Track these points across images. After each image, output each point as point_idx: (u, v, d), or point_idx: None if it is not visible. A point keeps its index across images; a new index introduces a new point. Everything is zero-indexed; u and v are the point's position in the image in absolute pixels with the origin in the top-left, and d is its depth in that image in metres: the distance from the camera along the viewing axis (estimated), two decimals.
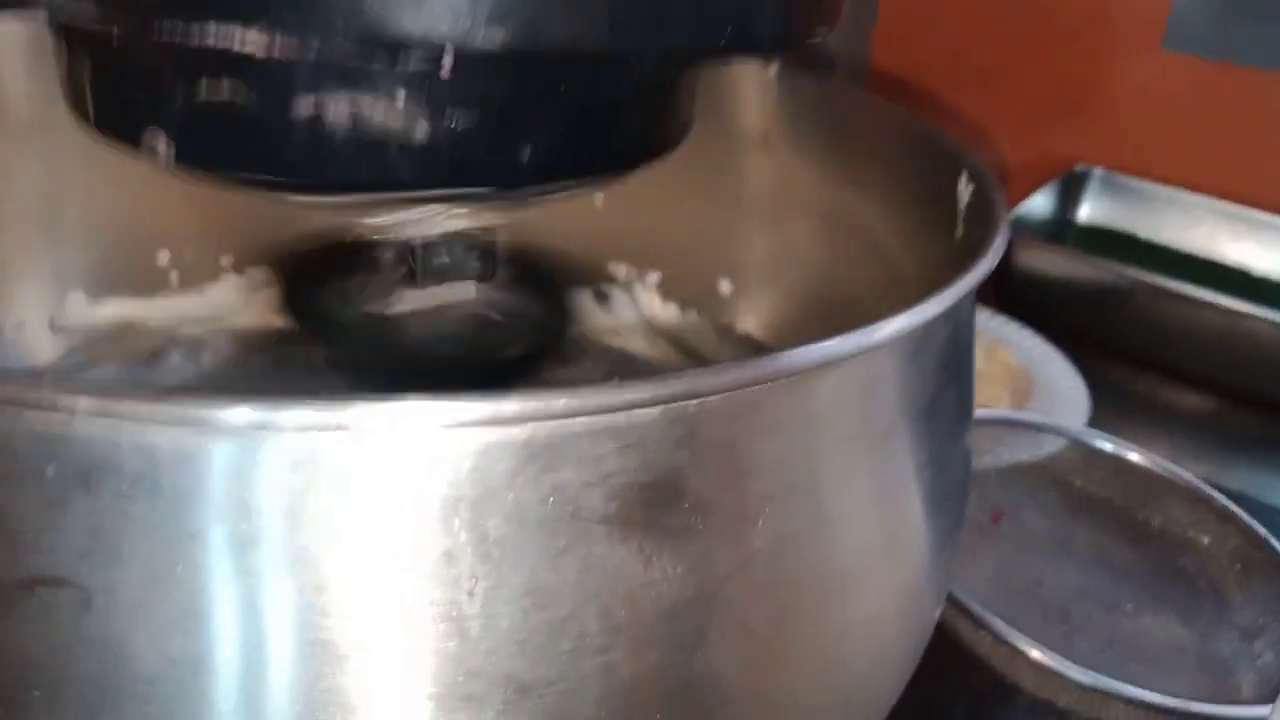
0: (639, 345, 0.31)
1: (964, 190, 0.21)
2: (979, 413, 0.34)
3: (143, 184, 0.27)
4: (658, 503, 0.13)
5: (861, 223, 0.26)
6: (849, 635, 0.16)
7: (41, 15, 0.15)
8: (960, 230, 0.21)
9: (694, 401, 0.12)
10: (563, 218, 0.31)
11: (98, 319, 0.28)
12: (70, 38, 0.17)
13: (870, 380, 0.15)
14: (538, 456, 0.12)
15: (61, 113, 0.18)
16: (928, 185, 0.22)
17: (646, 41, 0.15)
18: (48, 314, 0.27)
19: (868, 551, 0.16)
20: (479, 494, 0.12)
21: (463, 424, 0.12)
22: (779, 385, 0.13)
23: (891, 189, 0.25)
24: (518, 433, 0.12)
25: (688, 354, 0.30)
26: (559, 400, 0.11)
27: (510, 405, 0.11)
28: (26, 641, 0.12)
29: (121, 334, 0.27)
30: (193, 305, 0.29)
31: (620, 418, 0.12)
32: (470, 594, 0.12)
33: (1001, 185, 0.20)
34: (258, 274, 0.30)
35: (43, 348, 0.27)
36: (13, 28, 0.25)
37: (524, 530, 0.12)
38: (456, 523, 0.12)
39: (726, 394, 0.13)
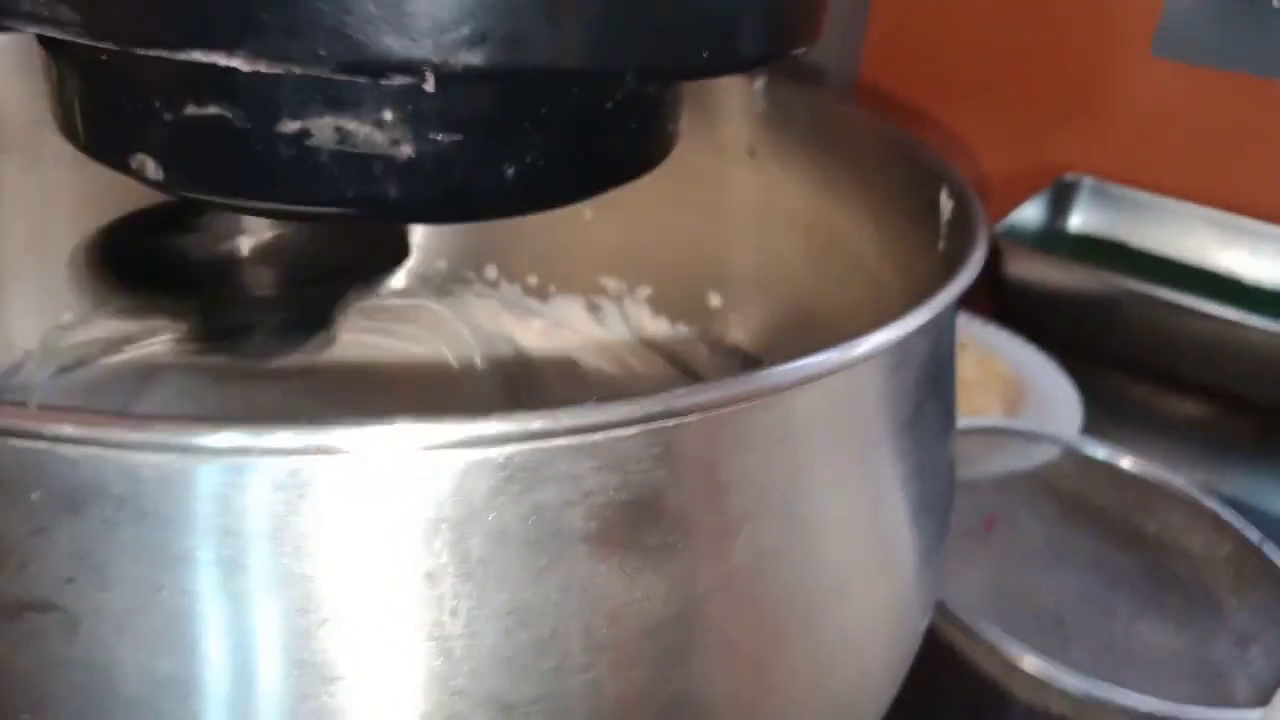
0: (630, 360, 0.31)
1: (945, 205, 0.21)
2: (972, 421, 0.35)
3: (132, 203, 0.27)
4: (638, 521, 0.13)
5: (847, 236, 0.26)
6: (835, 648, 0.16)
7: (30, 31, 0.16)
8: (943, 244, 0.21)
9: (672, 421, 0.12)
10: (552, 230, 0.31)
11: (87, 338, 0.28)
12: (57, 58, 0.17)
13: (851, 395, 0.15)
14: (517, 477, 0.12)
15: (51, 131, 0.18)
16: (911, 199, 0.23)
17: (628, 59, 0.16)
18: (38, 335, 0.27)
19: (852, 565, 0.16)
20: (460, 514, 0.12)
21: (443, 445, 0.12)
22: (758, 403, 0.14)
23: (876, 202, 0.25)
24: (497, 454, 0.12)
25: (679, 368, 0.30)
26: (536, 421, 0.12)
27: (489, 426, 0.12)
28: (14, 665, 0.13)
29: (111, 354, 0.27)
30: (180, 326, 0.29)
31: (599, 437, 0.12)
32: (453, 614, 0.12)
33: (981, 199, 0.20)
34: None
35: (33, 367, 0.27)
36: (3, 41, 0.25)
37: (506, 550, 0.12)
38: (438, 543, 0.12)
39: (705, 413, 0.13)
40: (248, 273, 0.24)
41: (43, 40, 0.17)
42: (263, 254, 0.24)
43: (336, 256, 0.24)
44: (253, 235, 0.24)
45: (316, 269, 0.24)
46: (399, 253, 0.26)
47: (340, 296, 0.25)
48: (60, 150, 0.18)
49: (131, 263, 0.24)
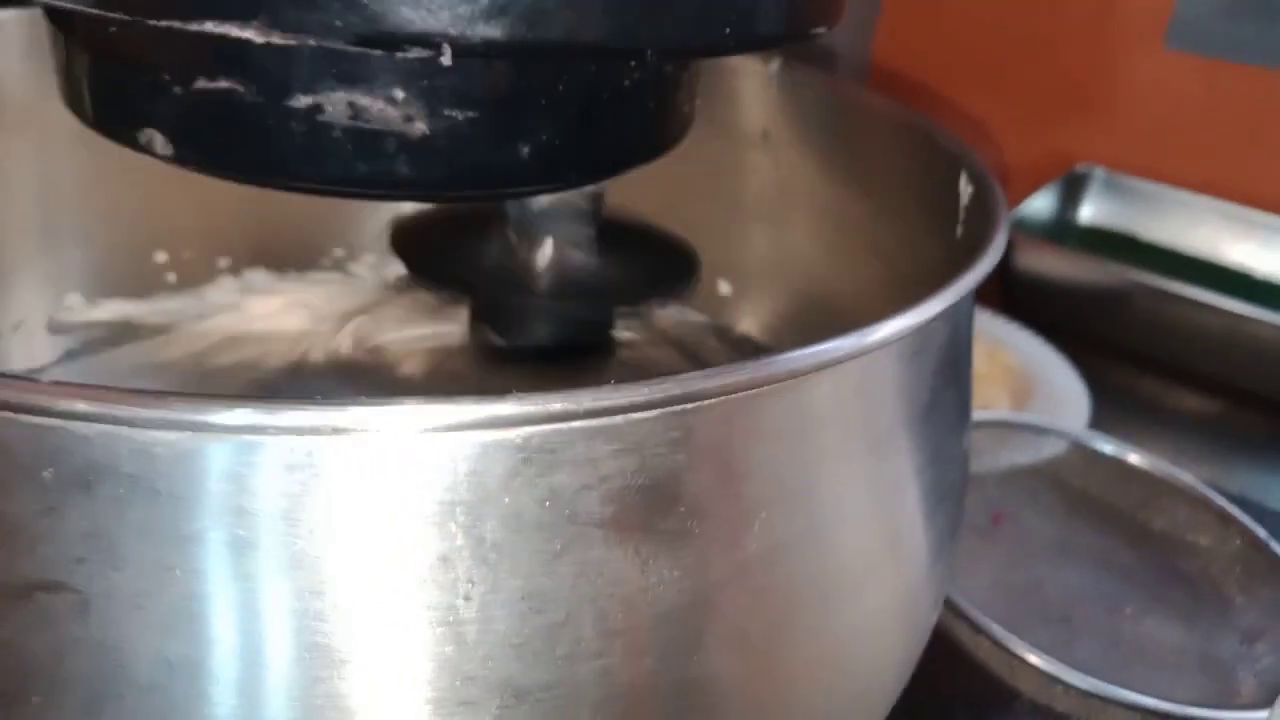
0: (642, 349, 0.31)
1: (964, 189, 0.21)
2: (980, 414, 0.34)
3: (140, 184, 0.27)
4: (654, 506, 0.13)
5: (862, 222, 0.26)
6: (846, 639, 0.16)
7: (36, 7, 0.15)
8: (960, 230, 0.21)
9: (690, 404, 0.12)
10: None
11: (95, 320, 0.28)
12: (65, 32, 0.17)
13: (868, 382, 0.15)
14: (534, 460, 0.12)
15: (57, 110, 0.18)
16: (928, 184, 0.22)
17: (645, 36, 0.15)
18: (45, 315, 0.27)
19: (865, 555, 0.16)
20: (475, 497, 0.12)
21: (458, 427, 0.12)
22: (776, 388, 0.13)
23: (892, 188, 0.25)
24: (513, 436, 0.12)
25: (688, 356, 0.30)
26: (554, 403, 0.11)
27: (506, 408, 0.11)
28: (25, 645, 0.12)
29: (119, 336, 0.27)
30: (190, 306, 0.29)
31: (616, 421, 0.12)
32: (467, 598, 0.12)
33: (1002, 185, 0.20)
34: (254, 276, 0.30)
35: (40, 350, 0.27)
36: (8, 17, 0.25)
37: (520, 534, 0.12)
38: (453, 526, 0.12)
39: (723, 397, 0.13)
40: (536, 281, 0.24)
41: (51, 14, 0.17)
42: (555, 265, 0.24)
43: (628, 272, 0.25)
44: (547, 247, 0.24)
45: (605, 284, 0.24)
46: (687, 275, 0.26)
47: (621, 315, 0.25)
48: (69, 129, 0.18)
49: (433, 253, 0.25)
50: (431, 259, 0.25)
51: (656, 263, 0.26)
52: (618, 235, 0.25)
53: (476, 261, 0.24)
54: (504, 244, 0.24)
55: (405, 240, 0.25)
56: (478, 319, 0.26)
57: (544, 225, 0.24)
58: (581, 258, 0.24)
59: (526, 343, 0.25)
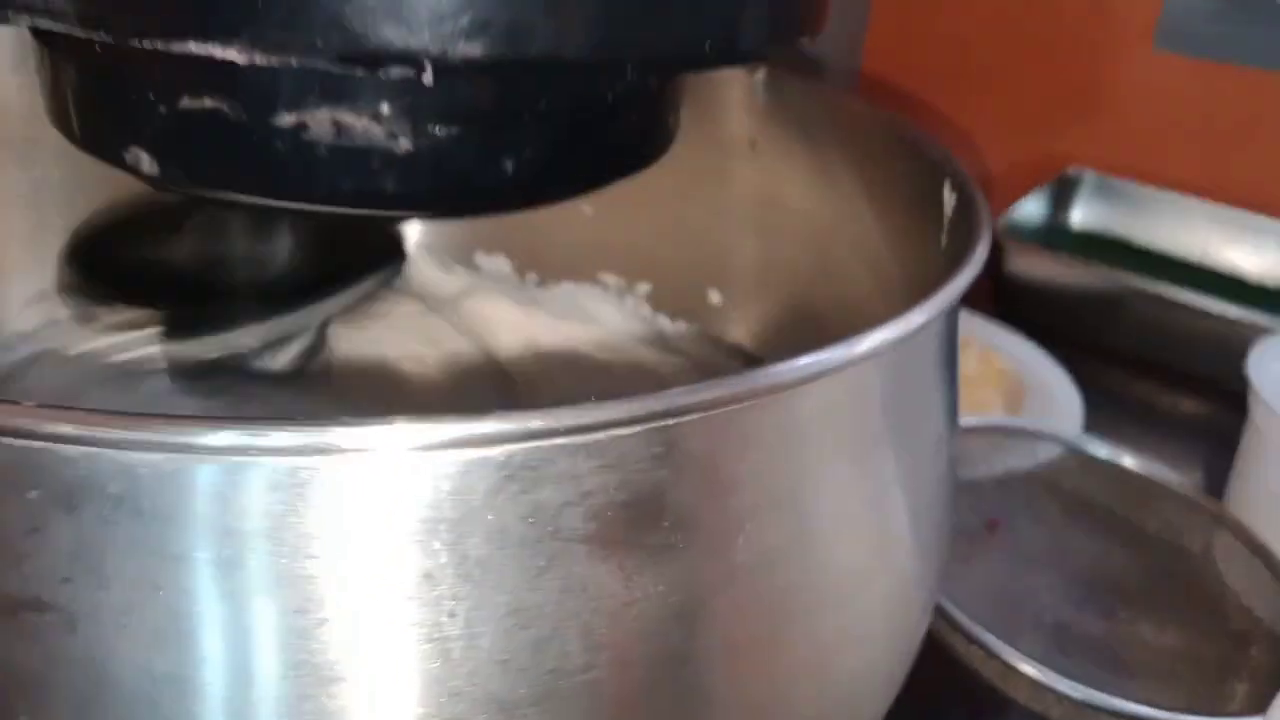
0: (635, 355, 0.31)
1: (948, 198, 0.21)
2: (973, 420, 0.35)
3: (128, 188, 0.27)
4: (638, 521, 0.13)
5: (849, 229, 0.26)
6: (836, 649, 0.16)
7: (24, 25, 0.15)
8: (945, 238, 0.21)
9: (672, 420, 0.12)
10: (551, 226, 0.31)
11: (85, 334, 0.28)
12: (51, 52, 0.17)
13: (853, 393, 0.15)
14: (516, 477, 0.12)
15: (47, 123, 0.18)
16: (914, 192, 0.22)
17: (628, 51, 0.15)
18: (35, 328, 0.27)
19: (853, 564, 0.16)
20: (459, 515, 0.12)
21: (441, 445, 0.12)
22: (759, 401, 0.13)
23: (878, 196, 0.25)
24: (496, 453, 0.12)
25: (678, 366, 0.30)
26: (536, 420, 0.11)
27: (488, 425, 0.11)
28: (12, 662, 0.12)
29: (108, 350, 0.27)
30: (163, 334, 0.28)
31: (598, 437, 0.12)
32: (452, 615, 0.12)
33: (984, 193, 0.20)
34: None
35: (29, 363, 0.27)
36: None
37: (504, 550, 0.12)
38: (437, 544, 0.12)
39: (705, 412, 0.13)
40: (234, 280, 0.24)
41: (37, 33, 0.17)
42: (251, 260, 0.23)
43: (329, 262, 0.24)
44: (241, 239, 0.24)
45: (307, 277, 0.24)
46: (393, 256, 0.26)
47: (330, 305, 0.25)
48: (57, 144, 0.18)
49: (113, 264, 0.24)
50: (116, 271, 0.24)
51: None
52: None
53: (168, 269, 0.23)
54: (200, 247, 0.23)
55: (80, 252, 0.24)
56: (171, 334, 0.24)
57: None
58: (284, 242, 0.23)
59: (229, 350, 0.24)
